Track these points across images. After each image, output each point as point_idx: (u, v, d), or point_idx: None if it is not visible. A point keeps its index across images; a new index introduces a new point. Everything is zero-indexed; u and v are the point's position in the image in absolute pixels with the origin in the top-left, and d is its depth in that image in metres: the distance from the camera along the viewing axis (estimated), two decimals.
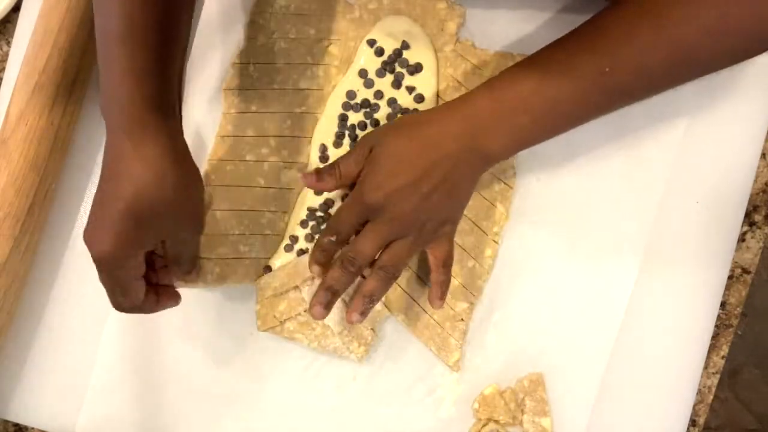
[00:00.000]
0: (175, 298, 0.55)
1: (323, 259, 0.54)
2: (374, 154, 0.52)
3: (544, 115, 0.49)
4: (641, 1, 0.48)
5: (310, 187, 0.57)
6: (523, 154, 0.59)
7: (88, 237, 0.48)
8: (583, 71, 0.48)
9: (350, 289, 0.59)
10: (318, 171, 0.56)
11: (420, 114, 0.54)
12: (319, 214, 0.61)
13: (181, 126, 0.52)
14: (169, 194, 0.48)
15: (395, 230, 0.51)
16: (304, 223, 0.61)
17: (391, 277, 0.52)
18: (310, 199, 0.61)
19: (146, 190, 0.47)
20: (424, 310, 0.60)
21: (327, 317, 0.60)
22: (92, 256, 0.48)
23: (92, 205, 0.49)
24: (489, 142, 0.51)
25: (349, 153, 0.55)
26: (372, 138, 0.53)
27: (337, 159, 0.55)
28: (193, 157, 0.59)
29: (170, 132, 0.49)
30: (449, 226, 0.54)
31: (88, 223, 0.48)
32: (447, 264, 0.54)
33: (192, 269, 0.57)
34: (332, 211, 0.60)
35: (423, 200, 0.51)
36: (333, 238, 0.53)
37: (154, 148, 0.47)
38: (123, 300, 0.50)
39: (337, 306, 0.59)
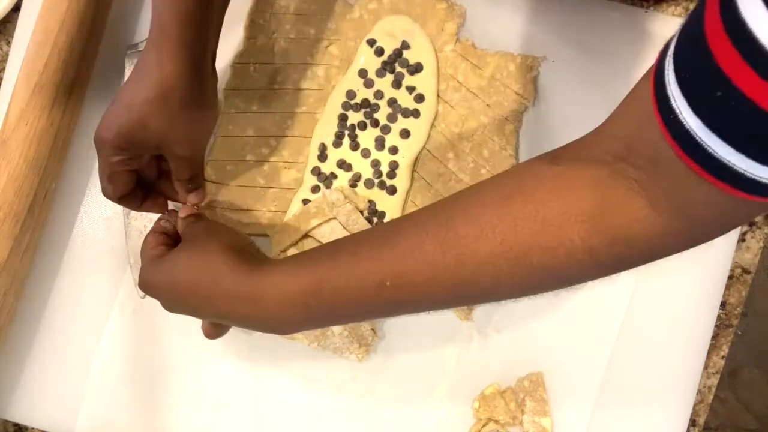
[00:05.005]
0: (161, 207, 0.56)
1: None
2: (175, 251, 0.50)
3: (322, 315, 0.46)
4: (436, 209, 0.44)
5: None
6: (521, 150, 0.60)
7: (100, 122, 0.51)
8: (364, 281, 0.43)
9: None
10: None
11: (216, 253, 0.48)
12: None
13: (214, 58, 0.53)
14: (174, 109, 0.49)
15: None
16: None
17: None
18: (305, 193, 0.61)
19: (153, 100, 0.49)
20: None
21: None
22: (93, 138, 0.51)
23: (114, 96, 0.51)
24: (270, 326, 0.48)
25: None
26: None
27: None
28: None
29: (197, 53, 0.50)
30: None
31: (106, 110, 0.51)
32: None
33: (195, 189, 0.55)
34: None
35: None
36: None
37: (175, 61, 0.48)
38: (107, 186, 0.52)
39: None
